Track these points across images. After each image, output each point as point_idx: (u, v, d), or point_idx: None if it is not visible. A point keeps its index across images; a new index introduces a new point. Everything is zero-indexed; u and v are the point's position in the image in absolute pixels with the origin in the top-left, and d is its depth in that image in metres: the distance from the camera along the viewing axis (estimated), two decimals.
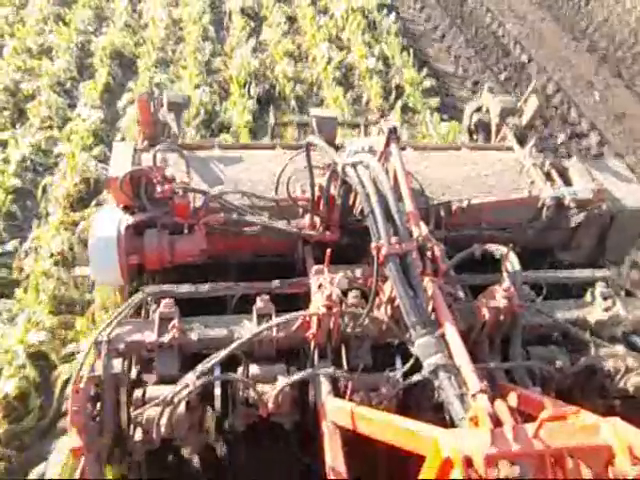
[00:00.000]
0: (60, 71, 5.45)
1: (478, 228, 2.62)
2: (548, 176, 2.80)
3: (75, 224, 3.78)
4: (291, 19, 6.77)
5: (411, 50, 6.04)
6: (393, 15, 6.75)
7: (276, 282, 2.29)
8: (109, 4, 6.88)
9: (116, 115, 5.01)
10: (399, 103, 5.18)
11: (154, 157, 2.32)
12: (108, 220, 2.32)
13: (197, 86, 5.20)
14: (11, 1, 6.66)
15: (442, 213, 2.59)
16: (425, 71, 5.80)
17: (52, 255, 3.49)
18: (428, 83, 5.63)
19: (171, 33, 6.31)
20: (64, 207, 3.92)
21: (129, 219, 2.32)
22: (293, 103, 5.15)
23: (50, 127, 4.79)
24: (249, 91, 5.20)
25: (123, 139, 4.51)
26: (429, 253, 2.13)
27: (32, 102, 4.96)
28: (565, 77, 6.33)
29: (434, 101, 5.35)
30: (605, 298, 2.42)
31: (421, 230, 2.14)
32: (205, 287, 2.27)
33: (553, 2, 8.18)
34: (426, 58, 6.45)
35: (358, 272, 2.27)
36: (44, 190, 4.12)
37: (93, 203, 3.91)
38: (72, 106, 5.12)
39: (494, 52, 6.76)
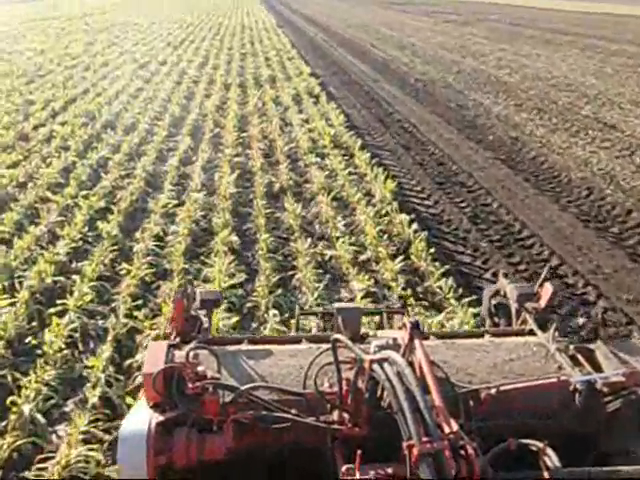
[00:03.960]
0: None
1: (510, 417, 2.48)
2: (574, 360, 2.72)
3: None
4: None
5: None
6: None
7: None
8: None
9: None
10: None
11: (187, 354, 2.35)
12: (140, 416, 2.32)
13: None
14: None
15: (471, 402, 2.46)
16: None
17: None
18: None
19: None
20: None
21: (159, 417, 2.30)
22: None
23: None
24: None
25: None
26: (462, 451, 1.97)
27: None
28: None
29: None
30: None
31: (452, 426, 2.01)
32: None
33: None
34: None
35: (390, 471, 2.10)
36: None
37: None
38: None
39: None
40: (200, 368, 2.34)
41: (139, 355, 4.60)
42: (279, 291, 5.43)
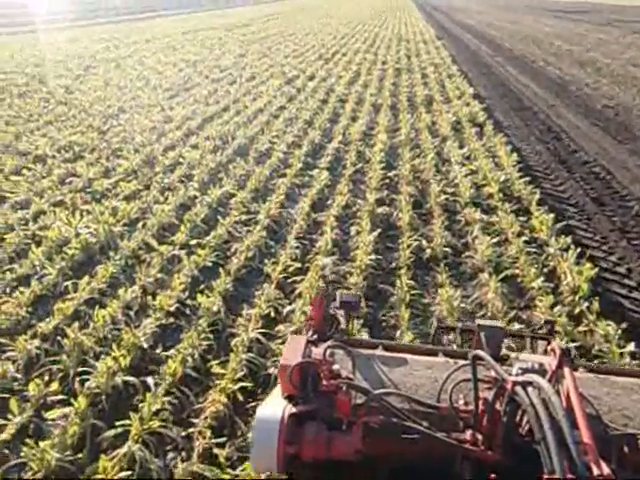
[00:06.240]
0: None
1: None
2: None
3: None
4: None
5: None
6: None
7: None
8: None
9: None
10: None
11: (324, 352, 2.38)
12: (275, 405, 2.37)
13: None
14: None
15: (626, 448, 2.15)
16: None
17: None
18: None
19: None
20: None
21: (292, 408, 2.35)
22: None
23: None
24: None
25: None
26: None
27: None
28: None
29: None
30: None
31: (602, 469, 1.78)
32: None
33: None
34: None
35: None
36: None
37: None
38: None
39: None
40: (335, 367, 2.36)
41: None
42: None
